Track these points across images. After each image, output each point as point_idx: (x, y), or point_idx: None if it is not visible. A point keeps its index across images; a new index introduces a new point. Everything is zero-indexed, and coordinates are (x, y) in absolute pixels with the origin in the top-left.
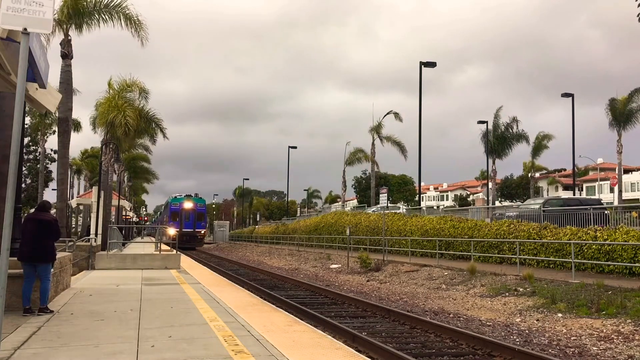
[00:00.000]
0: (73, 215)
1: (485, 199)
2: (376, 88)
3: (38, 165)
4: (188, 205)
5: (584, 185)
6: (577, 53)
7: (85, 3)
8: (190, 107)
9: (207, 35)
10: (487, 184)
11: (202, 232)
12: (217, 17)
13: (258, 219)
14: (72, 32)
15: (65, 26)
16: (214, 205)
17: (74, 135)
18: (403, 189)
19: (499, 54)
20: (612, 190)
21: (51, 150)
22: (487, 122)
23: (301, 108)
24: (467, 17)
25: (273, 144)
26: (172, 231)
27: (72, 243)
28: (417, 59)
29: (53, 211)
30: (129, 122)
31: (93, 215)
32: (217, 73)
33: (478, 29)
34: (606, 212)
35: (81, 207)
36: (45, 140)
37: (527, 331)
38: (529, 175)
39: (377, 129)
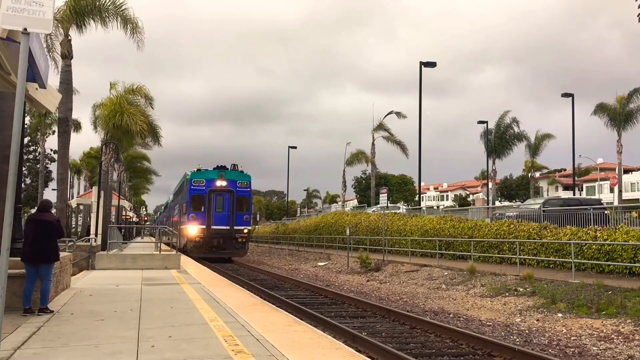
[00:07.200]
0: (73, 215)
1: (485, 199)
2: (393, 89)
3: (38, 165)
4: (221, 183)
5: (584, 185)
6: (595, 55)
7: (84, 3)
8: (208, 108)
9: (233, 38)
10: (487, 184)
11: (246, 230)
12: (244, 21)
13: (258, 219)
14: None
15: (65, 26)
16: None
17: (74, 135)
18: (403, 189)
19: (517, 56)
20: (612, 190)
21: (51, 150)
22: (487, 122)
23: (316, 109)
24: (489, 19)
25: (283, 145)
26: (193, 229)
27: (72, 243)
28: (437, 60)
29: (53, 210)
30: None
31: (93, 215)
32: (239, 75)
33: (498, 31)
34: (606, 212)
35: (81, 207)
36: (45, 140)
37: (527, 331)
38: (529, 174)
39: (379, 128)
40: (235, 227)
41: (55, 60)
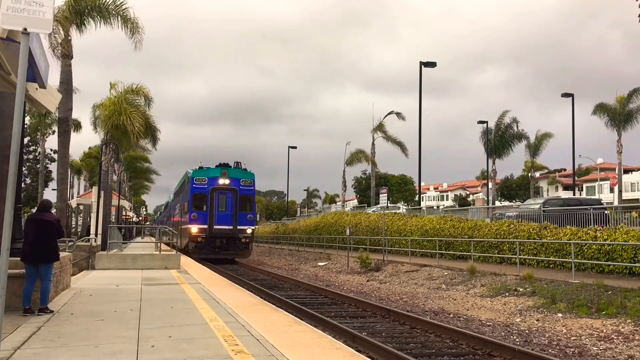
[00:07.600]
0: (73, 215)
1: (485, 199)
2: (393, 89)
3: (38, 165)
4: (224, 181)
5: (584, 185)
6: (595, 55)
7: (84, 2)
8: (209, 108)
9: (233, 38)
10: (487, 184)
11: (249, 230)
12: (244, 21)
13: (258, 219)
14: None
15: (65, 25)
16: None
17: (74, 135)
18: (403, 189)
19: (517, 56)
20: (612, 190)
21: (51, 150)
22: (487, 122)
23: (316, 109)
24: (489, 19)
25: (284, 145)
26: (194, 229)
27: (72, 243)
28: (437, 60)
29: (53, 211)
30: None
31: (93, 215)
32: (239, 74)
33: (498, 31)
34: (606, 212)
35: (81, 207)
36: (45, 140)
37: (527, 331)
38: (529, 174)
39: (379, 129)
40: (238, 227)
41: (60, 58)
